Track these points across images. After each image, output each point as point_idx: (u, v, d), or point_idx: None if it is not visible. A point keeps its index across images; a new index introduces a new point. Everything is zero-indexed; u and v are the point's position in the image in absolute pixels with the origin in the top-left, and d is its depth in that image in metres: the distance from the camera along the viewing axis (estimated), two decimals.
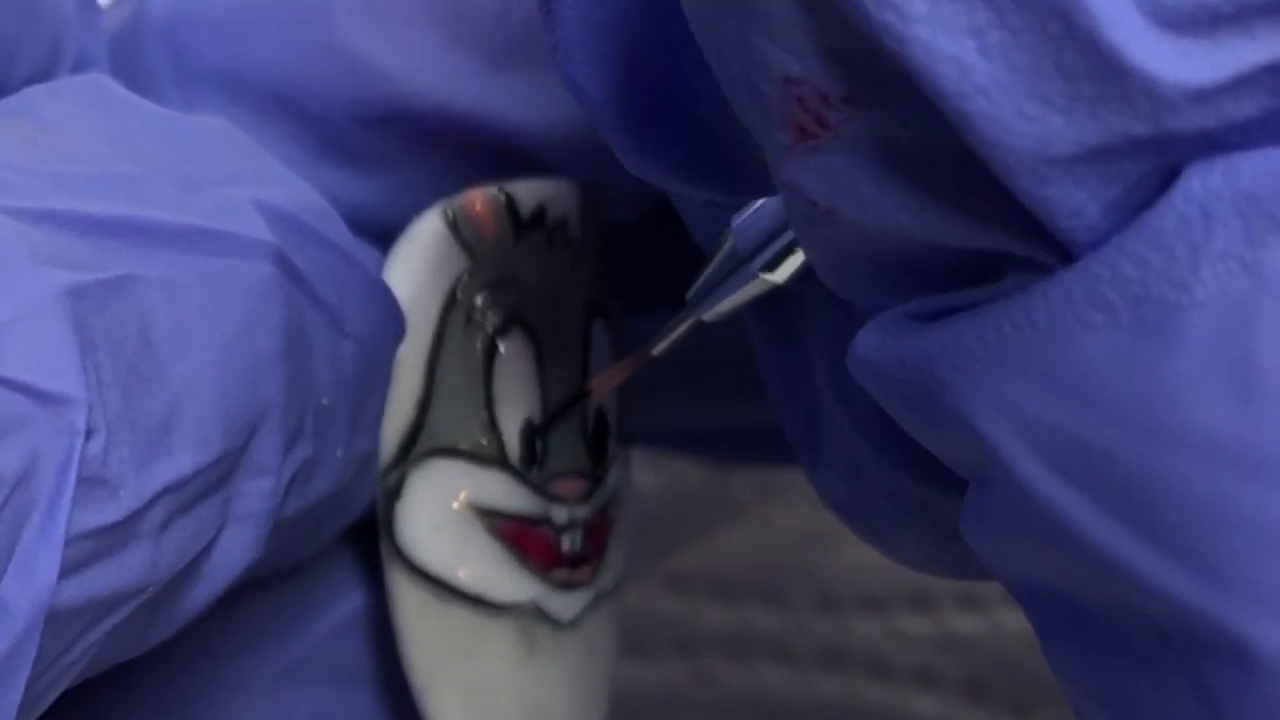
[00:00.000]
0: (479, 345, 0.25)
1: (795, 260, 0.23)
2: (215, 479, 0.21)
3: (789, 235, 0.23)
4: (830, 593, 0.41)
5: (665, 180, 0.21)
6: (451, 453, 0.25)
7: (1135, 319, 0.15)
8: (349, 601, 0.27)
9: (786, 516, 0.41)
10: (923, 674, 0.40)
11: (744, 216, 0.23)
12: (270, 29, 0.26)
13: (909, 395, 0.17)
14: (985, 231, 0.16)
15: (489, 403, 0.25)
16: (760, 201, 0.23)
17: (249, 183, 0.23)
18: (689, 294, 0.25)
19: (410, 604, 0.26)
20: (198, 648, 0.25)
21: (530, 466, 0.26)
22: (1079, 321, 0.15)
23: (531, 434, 0.26)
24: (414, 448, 0.25)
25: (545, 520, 0.26)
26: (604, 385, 0.26)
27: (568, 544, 0.26)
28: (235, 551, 0.22)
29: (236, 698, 0.25)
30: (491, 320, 0.26)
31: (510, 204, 0.26)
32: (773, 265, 0.23)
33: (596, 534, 0.27)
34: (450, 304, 0.25)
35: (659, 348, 0.25)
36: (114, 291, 0.20)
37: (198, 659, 0.25)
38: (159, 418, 0.20)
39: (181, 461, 0.20)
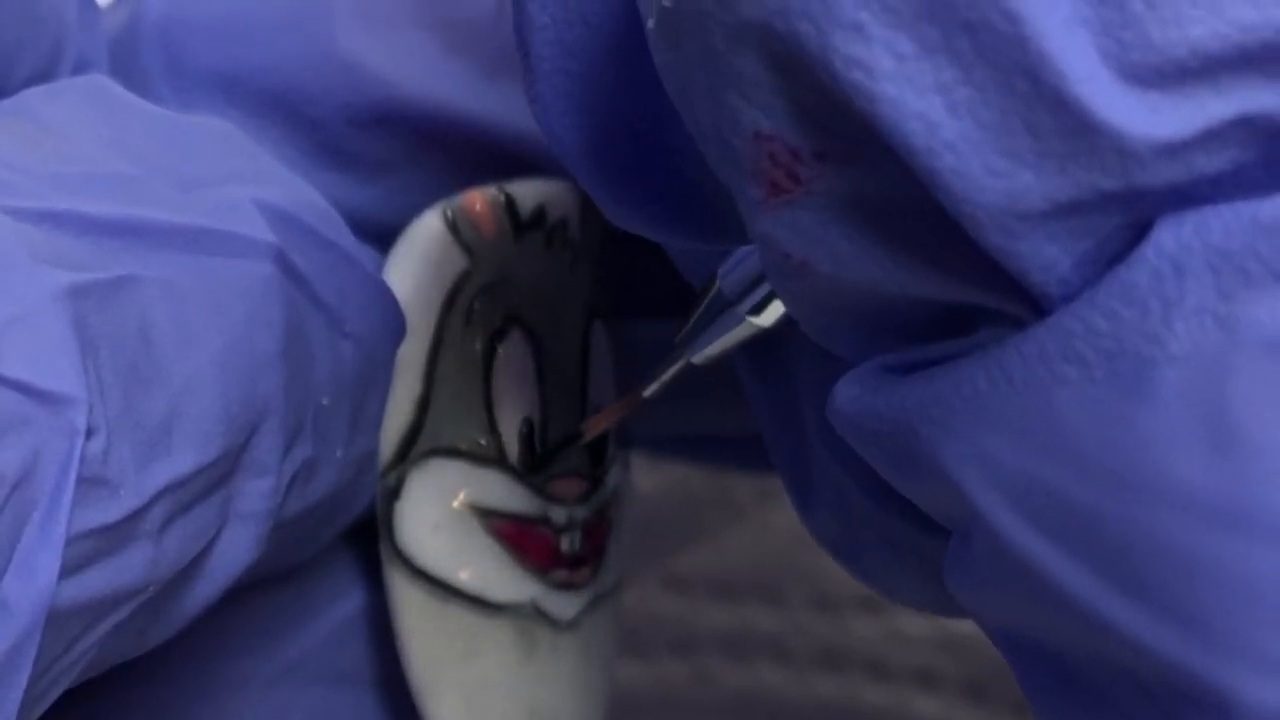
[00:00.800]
0: (478, 346, 0.25)
1: (782, 304, 0.23)
2: (216, 478, 0.21)
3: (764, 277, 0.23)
4: (829, 593, 0.41)
5: (645, 230, 0.21)
6: (451, 453, 0.25)
7: (1109, 373, 0.15)
8: (349, 601, 0.27)
9: (785, 518, 0.41)
10: (922, 674, 0.40)
11: (730, 261, 0.23)
12: (267, 32, 0.26)
13: (887, 448, 0.17)
14: (958, 285, 0.16)
15: (488, 403, 0.25)
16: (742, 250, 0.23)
17: (249, 182, 0.23)
18: (677, 337, 0.25)
19: (410, 604, 0.26)
20: (198, 647, 0.25)
21: (529, 468, 0.26)
22: (1053, 376, 0.15)
23: (531, 435, 0.26)
24: (414, 448, 0.25)
25: (544, 520, 0.26)
26: (598, 426, 0.26)
27: (566, 545, 0.26)
28: (236, 551, 0.22)
29: (236, 698, 0.25)
30: (490, 321, 0.26)
31: (510, 204, 0.26)
32: (759, 309, 0.24)
33: (595, 535, 0.27)
34: (450, 304, 0.25)
35: (650, 390, 0.26)
36: (114, 291, 0.20)
37: (198, 658, 0.25)
38: (159, 417, 0.20)
39: (182, 461, 0.20)
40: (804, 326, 0.18)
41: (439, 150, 0.26)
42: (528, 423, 0.26)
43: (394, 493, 0.26)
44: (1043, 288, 0.15)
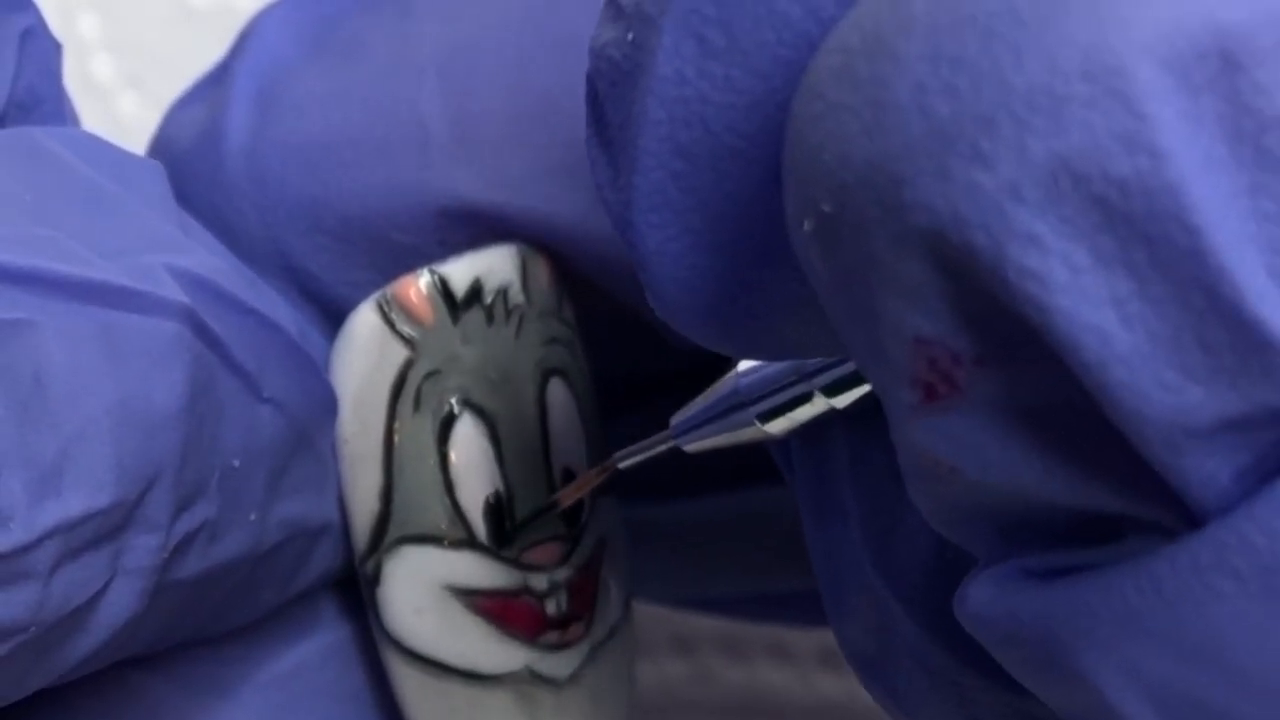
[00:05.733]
0: (431, 433, 0.26)
1: (796, 416, 0.23)
2: (107, 528, 0.21)
3: (793, 390, 0.23)
4: None
5: (715, 340, 0.20)
6: (421, 539, 0.26)
7: (1265, 589, 0.15)
8: (354, 622, 0.27)
9: None
10: None
11: (752, 364, 0.23)
12: (359, 158, 0.26)
13: (1025, 651, 0.17)
14: (1111, 494, 0.16)
15: (449, 488, 0.26)
16: None
17: (168, 251, 0.23)
18: (673, 419, 0.25)
19: (408, 682, 0.26)
20: (191, 644, 0.25)
21: (501, 544, 0.26)
22: (1207, 589, 0.15)
23: (498, 512, 0.26)
24: (384, 537, 0.26)
25: (525, 590, 0.26)
26: (571, 496, 0.26)
27: (553, 608, 0.26)
28: (120, 605, 0.22)
29: (225, 699, 0.26)
30: (439, 407, 0.26)
31: (444, 286, 0.25)
32: (770, 416, 0.23)
33: (582, 591, 0.27)
34: (397, 395, 0.25)
35: (626, 462, 0.26)
36: (11, 333, 0.20)
37: (191, 655, 0.25)
38: (50, 459, 0.20)
39: (71, 503, 0.21)
40: (932, 521, 0.18)
41: None
42: (492, 500, 0.26)
43: (374, 580, 0.26)
44: (1200, 500, 0.15)
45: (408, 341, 0.25)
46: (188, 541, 0.22)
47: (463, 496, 0.26)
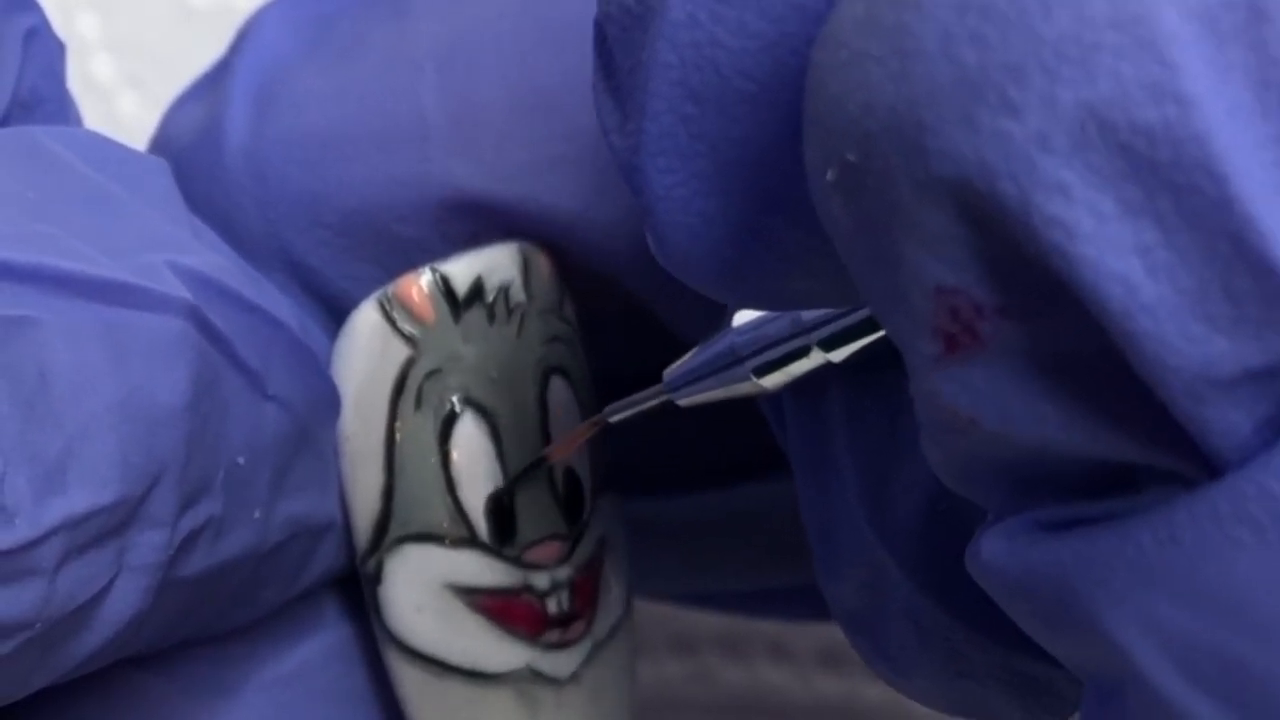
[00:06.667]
0: (432, 432, 0.26)
1: (791, 371, 0.23)
2: (112, 525, 0.21)
3: (790, 345, 0.23)
4: None
5: (727, 287, 0.20)
6: (422, 538, 0.26)
7: None
8: (357, 621, 0.27)
9: None
10: None
11: (748, 319, 0.23)
12: (359, 152, 0.26)
13: (1037, 604, 0.17)
14: (1131, 444, 0.16)
15: (450, 486, 0.26)
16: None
17: (170, 249, 0.23)
18: (666, 372, 0.25)
19: (409, 681, 0.26)
20: (194, 643, 0.25)
21: (502, 542, 0.26)
22: (1226, 539, 0.15)
23: (499, 511, 0.26)
24: (386, 536, 0.26)
25: (526, 589, 0.26)
26: (561, 451, 0.26)
27: (554, 607, 0.26)
28: (125, 602, 0.22)
29: (227, 699, 0.26)
30: (441, 406, 0.26)
31: (445, 284, 0.26)
32: (765, 371, 0.23)
33: (584, 589, 0.27)
34: (398, 393, 0.25)
35: (618, 416, 0.25)
36: (15, 330, 0.20)
37: (193, 654, 0.25)
38: (55, 455, 0.20)
39: (76, 500, 0.21)
40: (946, 475, 0.18)
41: None
42: (494, 499, 0.26)
43: (375, 578, 0.26)
44: (1220, 450, 0.15)
45: (409, 340, 0.26)
46: (193, 539, 0.23)
47: (464, 495, 0.26)
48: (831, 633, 0.40)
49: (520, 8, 0.26)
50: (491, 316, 0.26)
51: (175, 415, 0.22)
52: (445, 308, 0.26)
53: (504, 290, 0.26)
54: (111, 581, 0.22)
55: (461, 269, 0.26)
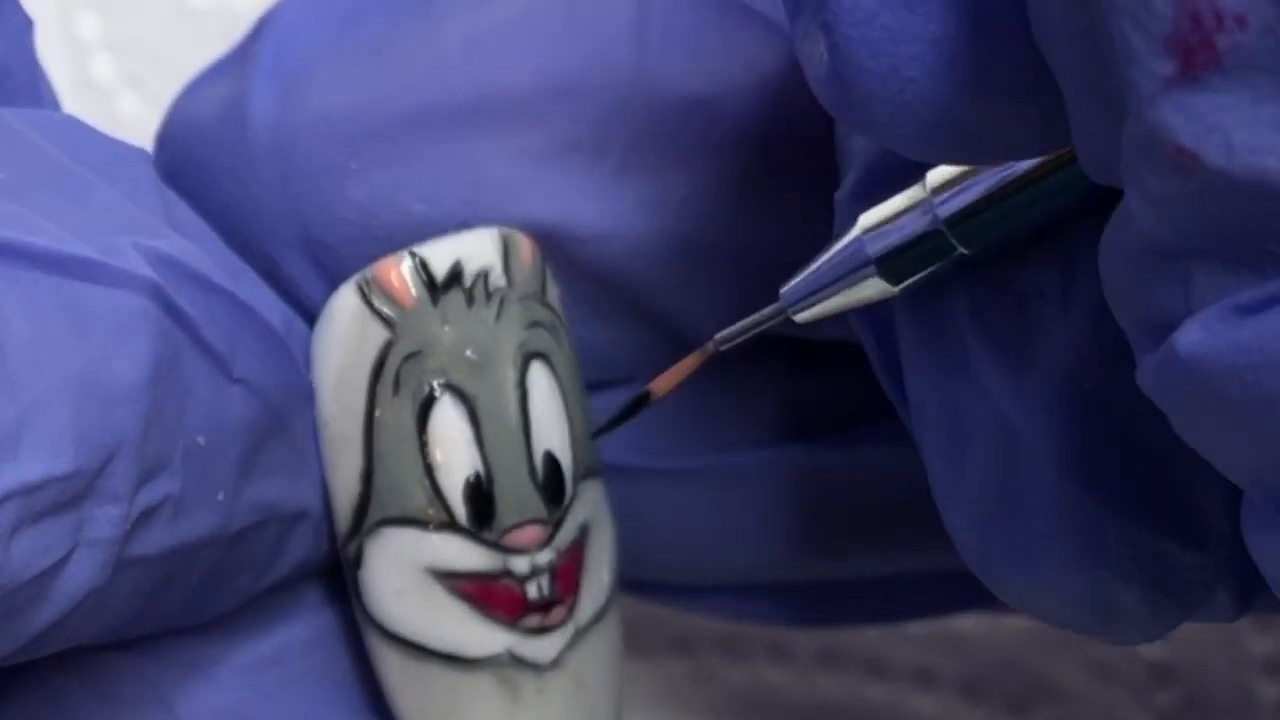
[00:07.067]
0: (410, 415, 0.26)
1: (923, 273, 0.23)
2: (67, 496, 0.21)
3: (921, 238, 0.23)
4: None
5: (915, 139, 0.20)
6: (401, 521, 0.26)
7: None
8: (339, 607, 0.27)
9: None
10: (920, 673, 0.40)
11: (875, 220, 0.23)
12: (386, 130, 0.26)
13: (1247, 383, 0.17)
14: None
15: (428, 470, 0.26)
16: (891, 205, 0.23)
17: (139, 232, 0.23)
18: (783, 290, 0.24)
19: (390, 665, 0.26)
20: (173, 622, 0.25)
21: (481, 526, 0.26)
22: None
23: (478, 494, 0.26)
24: (365, 519, 0.26)
25: (506, 574, 0.26)
26: (664, 384, 0.26)
27: (534, 591, 0.26)
28: (81, 575, 0.22)
29: (205, 678, 0.26)
30: (419, 389, 0.26)
31: (424, 268, 0.26)
32: (894, 274, 0.23)
33: (565, 574, 0.27)
34: (376, 377, 0.26)
35: (729, 344, 0.25)
36: None
37: (174, 632, 0.26)
38: (8, 423, 0.21)
39: (29, 468, 0.21)
40: (1118, 284, 0.18)
41: (560, 257, 0.27)
42: (472, 482, 0.26)
43: (355, 562, 0.26)
44: None
45: (388, 323, 0.26)
46: (150, 515, 0.23)
47: (442, 479, 0.26)
48: (831, 633, 0.40)
49: (544, 3, 0.27)
50: (470, 300, 0.26)
51: (134, 391, 0.22)
52: (424, 291, 0.26)
53: (483, 275, 0.26)
54: (69, 554, 0.22)
55: (440, 253, 0.26)
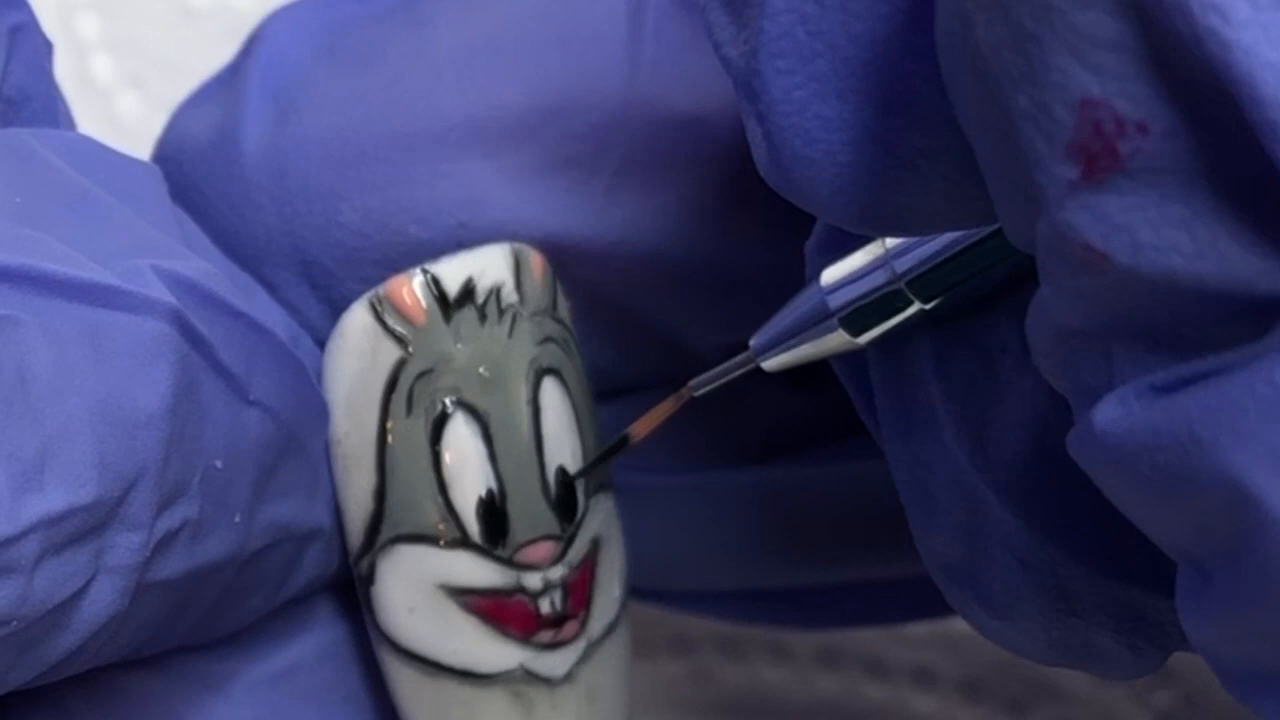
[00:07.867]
0: (423, 432, 0.26)
1: (884, 324, 0.23)
2: (90, 525, 0.21)
3: (882, 291, 0.23)
4: None
5: (839, 214, 0.20)
6: (414, 538, 0.26)
7: None
8: (351, 621, 0.27)
9: None
10: (919, 672, 0.40)
11: (837, 275, 0.23)
12: (380, 152, 0.26)
13: (1158, 464, 0.17)
14: (1265, 265, 0.16)
15: (441, 487, 0.26)
16: (853, 261, 0.24)
17: (156, 255, 0.23)
18: (752, 340, 0.25)
19: (402, 680, 0.26)
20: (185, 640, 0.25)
21: (494, 543, 0.26)
22: None
23: (491, 511, 0.26)
24: (378, 536, 0.26)
25: (519, 590, 0.26)
26: (643, 427, 0.27)
27: (547, 607, 0.26)
28: (102, 603, 0.22)
29: (218, 695, 0.26)
30: (432, 407, 0.26)
31: (436, 285, 0.26)
32: (856, 327, 0.24)
33: (577, 589, 0.27)
34: (389, 394, 0.26)
35: (703, 390, 0.26)
36: None
37: (185, 650, 0.26)
38: (32, 454, 0.21)
39: (54, 498, 0.21)
40: (1046, 355, 0.18)
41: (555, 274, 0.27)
42: (485, 499, 0.26)
43: (368, 578, 0.26)
44: None
45: (400, 341, 0.26)
46: (169, 540, 0.23)
47: (455, 496, 0.26)
48: (831, 633, 0.40)
49: (534, 14, 0.27)
50: (483, 317, 0.26)
51: (155, 418, 0.22)
52: (436, 308, 0.26)
53: (495, 291, 0.26)
54: (89, 582, 0.22)
55: (452, 270, 0.26)
